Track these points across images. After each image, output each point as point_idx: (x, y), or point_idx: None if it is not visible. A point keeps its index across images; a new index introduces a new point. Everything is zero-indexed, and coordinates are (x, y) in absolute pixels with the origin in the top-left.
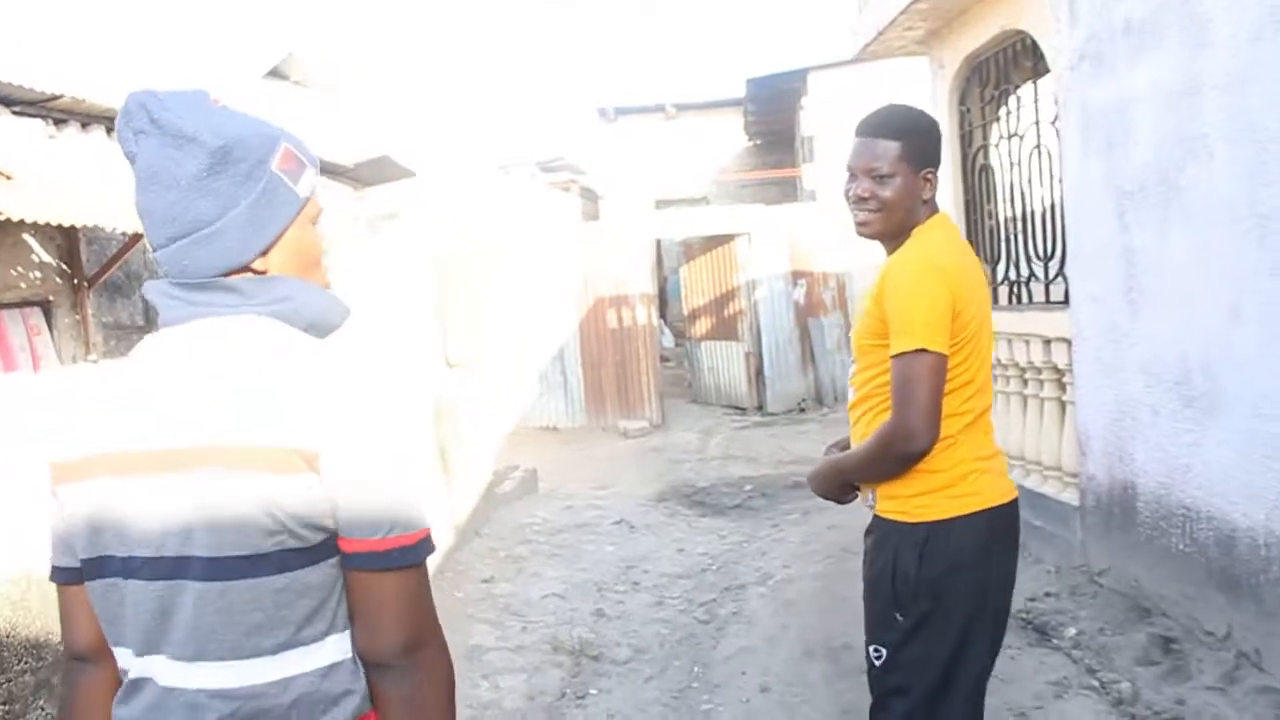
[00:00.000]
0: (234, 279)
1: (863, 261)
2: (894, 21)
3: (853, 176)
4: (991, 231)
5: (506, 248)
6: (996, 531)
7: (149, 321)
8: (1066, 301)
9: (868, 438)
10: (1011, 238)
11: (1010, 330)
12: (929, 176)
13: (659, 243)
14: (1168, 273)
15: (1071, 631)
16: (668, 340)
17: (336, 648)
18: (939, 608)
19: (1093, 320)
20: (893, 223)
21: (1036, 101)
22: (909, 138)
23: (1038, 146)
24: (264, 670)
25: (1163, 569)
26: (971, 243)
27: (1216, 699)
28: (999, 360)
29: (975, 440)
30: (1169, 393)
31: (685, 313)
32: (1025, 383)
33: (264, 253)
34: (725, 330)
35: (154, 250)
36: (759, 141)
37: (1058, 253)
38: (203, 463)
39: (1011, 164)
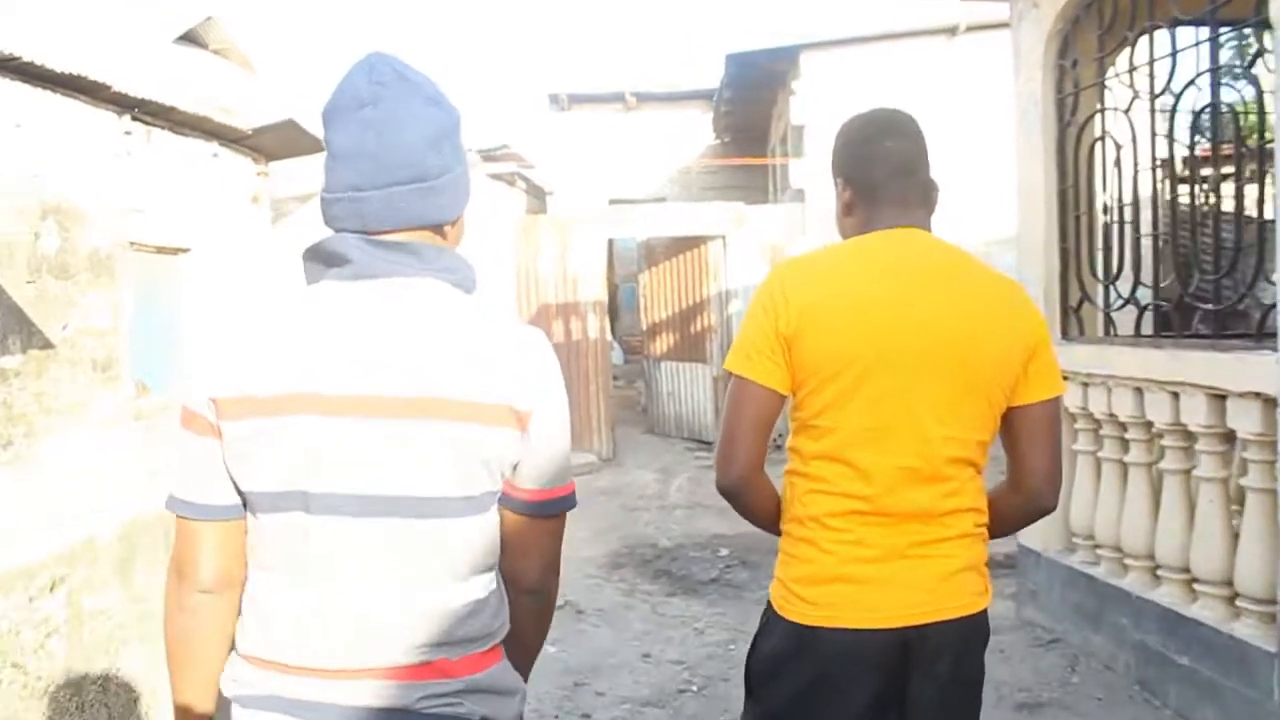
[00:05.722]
0: (417, 243)
1: None
2: None
3: None
4: (1104, 231)
5: None
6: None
7: None
8: (1273, 337)
9: None
10: (1137, 242)
11: (1142, 376)
12: (838, 185)
13: (611, 244)
14: None
15: None
16: (618, 357)
17: (494, 576)
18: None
19: None
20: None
21: (1202, 48)
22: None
23: (1209, 108)
24: (455, 596)
25: None
26: (1064, 249)
27: None
28: (1108, 415)
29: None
30: None
31: (644, 326)
32: (1161, 452)
33: (453, 221)
34: (691, 349)
35: (357, 191)
36: (728, 139)
37: (1248, 265)
38: (424, 411)
39: (1152, 135)
